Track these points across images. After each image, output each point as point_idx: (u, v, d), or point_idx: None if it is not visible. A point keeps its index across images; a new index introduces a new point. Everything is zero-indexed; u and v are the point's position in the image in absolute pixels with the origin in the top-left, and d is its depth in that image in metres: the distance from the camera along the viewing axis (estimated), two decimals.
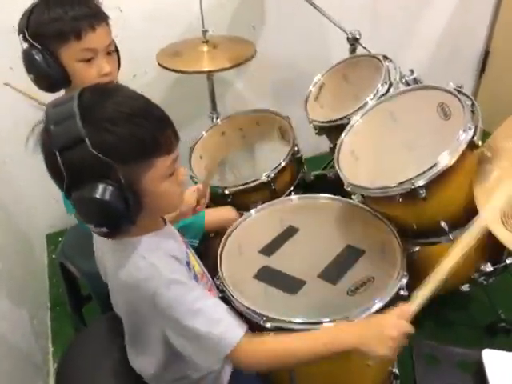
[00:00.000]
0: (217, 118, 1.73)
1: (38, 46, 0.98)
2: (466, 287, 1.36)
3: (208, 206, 1.54)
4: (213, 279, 1.00)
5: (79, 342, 1.08)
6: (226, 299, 0.99)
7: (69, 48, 0.99)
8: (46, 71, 0.99)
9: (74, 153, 0.65)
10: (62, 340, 1.58)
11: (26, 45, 1.00)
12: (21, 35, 1.00)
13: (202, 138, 1.63)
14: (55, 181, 0.70)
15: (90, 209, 0.68)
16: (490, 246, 1.26)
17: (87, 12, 1.00)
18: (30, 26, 0.99)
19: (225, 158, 1.69)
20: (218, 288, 1.01)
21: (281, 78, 2.00)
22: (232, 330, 0.74)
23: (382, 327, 0.75)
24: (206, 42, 1.59)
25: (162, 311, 0.74)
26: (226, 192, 1.40)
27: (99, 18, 1.02)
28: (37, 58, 0.98)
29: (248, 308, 0.94)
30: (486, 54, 2.27)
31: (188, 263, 0.86)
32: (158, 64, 1.58)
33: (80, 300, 1.47)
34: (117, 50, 1.11)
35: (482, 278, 1.31)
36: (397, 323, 0.75)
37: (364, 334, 0.74)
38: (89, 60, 1.02)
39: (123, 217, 0.69)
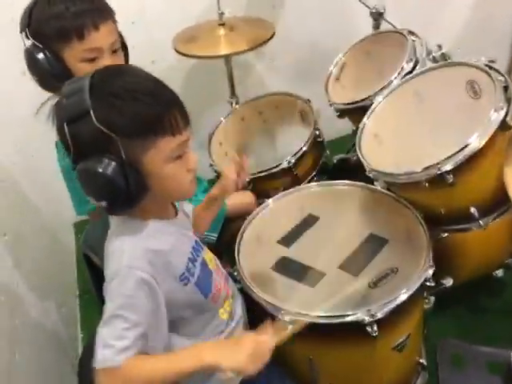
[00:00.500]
0: (236, 103, 1.69)
1: (40, 46, 0.95)
2: (499, 272, 1.32)
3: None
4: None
5: None
6: (243, 290, 0.98)
7: (71, 48, 0.96)
8: (50, 72, 0.96)
9: (79, 125, 0.68)
10: (90, 326, 1.61)
11: (28, 43, 0.97)
12: (23, 33, 0.97)
13: (220, 124, 1.60)
14: (67, 153, 0.72)
15: (90, 181, 0.70)
16: None
17: (90, 7, 0.95)
18: (32, 23, 0.96)
19: (245, 144, 1.66)
20: (235, 280, 0.99)
21: (302, 58, 1.92)
22: (122, 353, 0.69)
23: (238, 345, 0.74)
24: (223, 24, 1.55)
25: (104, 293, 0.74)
26: (247, 179, 1.37)
27: (103, 14, 0.97)
28: (39, 58, 0.95)
29: (265, 301, 0.92)
30: None
31: (194, 260, 0.84)
32: (174, 50, 1.55)
33: None
34: (125, 47, 1.08)
35: None
36: (254, 342, 0.73)
37: (219, 353, 0.73)
38: (93, 59, 0.98)
39: (123, 193, 0.69)
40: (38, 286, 1.43)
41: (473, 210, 1.04)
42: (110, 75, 0.73)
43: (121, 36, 1.06)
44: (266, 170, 1.38)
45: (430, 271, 0.93)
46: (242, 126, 1.64)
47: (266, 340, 0.75)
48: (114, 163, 0.68)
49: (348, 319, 0.86)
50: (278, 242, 1.08)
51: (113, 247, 0.76)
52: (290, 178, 1.38)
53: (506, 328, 1.34)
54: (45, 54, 0.95)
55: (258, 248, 1.08)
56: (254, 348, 0.73)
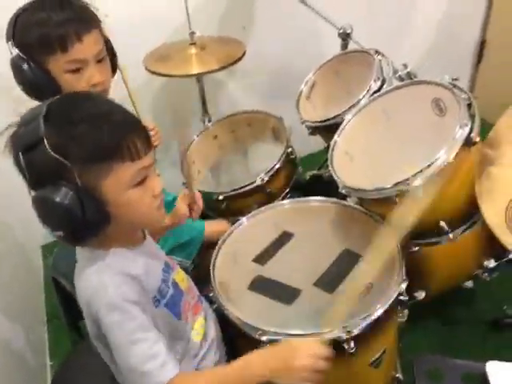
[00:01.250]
0: (209, 121, 1.70)
1: (24, 57, 0.93)
2: (469, 283, 1.34)
3: (204, 214, 1.52)
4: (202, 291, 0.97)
5: (74, 357, 1.05)
6: (219, 311, 0.96)
7: (55, 60, 0.94)
8: (35, 82, 0.95)
9: (34, 153, 0.66)
10: (60, 353, 1.55)
11: (14, 52, 0.95)
12: (9, 42, 0.95)
13: (193, 142, 1.60)
14: (25, 182, 0.71)
15: (45, 210, 0.68)
16: (492, 242, 1.22)
17: (73, 17, 0.93)
18: (16, 32, 0.94)
19: (218, 162, 1.66)
20: (211, 301, 0.98)
21: (273, 77, 1.95)
22: (162, 370, 0.70)
23: (292, 358, 0.73)
24: (194, 43, 1.56)
25: (104, 332, 0.72)
26: (220, 198, 1.37)
27: (87, 25, 0.95)
28: (24, 68, 0.93)
29: (241, 321, 0.91)
30: (483, 44, 2.22)
31: (167, 282, 0.83)
32: (146, 69, 1.54)
33: (76, 314, 1.44)
34: (113, 53, 1.07)
35: (486, 273, 1.28)
36: (308, 354, 0.73)
37: (273, 367, 0.73)
38: (77, 70, 0.96)
39: (79, 222, 0.67)
40: (3, 311, 1.37)
41: (442, 223, 1.06)
42: (67, 102, 0.72)
43: (108, 42, 1.05)
44: (239, 188, 1.38)
45: (404, 285, 0.94)
46: (214, 145, 1.64)
47: (317, 358, 0.74)
48: (68, 191, 0.66)
49: (325, 337, 0.86)
50: (253, 260, 1.08)
51: (92, 285, 0.72)
52: (263, 195, 1.39)
53: (476, 337, 1.37)
54: (29, 65, 0.93)
55: (233, 267, 1.07)
56: (309, 364, 0.72)
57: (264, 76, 1.94)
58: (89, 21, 0.96)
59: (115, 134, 0.69)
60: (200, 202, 1.02)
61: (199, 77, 1.63)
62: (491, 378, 0.61)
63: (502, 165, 0.95)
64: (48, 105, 0.69)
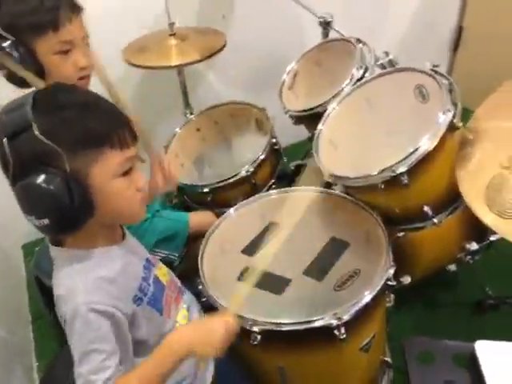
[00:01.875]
0: (191, 113, 1.68)
1: (12, 38, 0.94)
2: (452, 267, 1.37)
3: (189, 206, 1.51)
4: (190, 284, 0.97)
5: (62, 356, 1.03)
6: (210, 304, 0.96)
7: (46, 40, 0.96)
8: (24, 64, 0.95)
9: (20, 139, 0.65)
10: (46, 354, 1.52)
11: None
12: None
13: (176, 135, 1.58)
14: (5, 173, 0.68)
15: (32, 197, 0.66)
16: (474, 225, 1.25)
17: (63, 2, 0.97)
18: (2, 17, 0.94)
19: (202, 154, 1.64)
20: (200, 293, 0.97)
21: (254, 67, 1.94)
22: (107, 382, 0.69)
23: (209, 331, 0.76)
24: (174, 34, 1.53)
25: (66, 333, 0.71)
26: (206, 190, 1.36)
27: (75, 8, 1.00)
28: (10, 51, 0.94)
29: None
30: (460, 30, 2.25)
31: (147, 279, 0.83)
32: (125, 61, 1.51)
33: None
34: None
35: (468, 256, 1.31)
36: (222, 325, 0.75)
37: (193, 342, 0.75)
38: (66, 52, 0.99)
39: (67, 209, 0.66)
40: None
41: (426, 208, 1.08)
42: (54, 91, 0.72)
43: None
44: (224, 180, 1.38)
45: (391, 271, 0.95)
46: (197, 137, 1.63)
47: (231, 320, 0.76)
48: (57, 177, 0.65)
49: (316, 324, 0.86)
50: (242, 251, 1.08)
51: (64, 287, 0.72)
52: (248, 186, 1.38)
53: (461, 319, 1.40)
54: (16, 48, 0.94)
55: (221, 259, 1.06)
56: (225, 330, 0.74)
57: (245, 66, 1.92)
58: (76, 5, 1.01)
59: (105, 121, 0.69)
60: (167, 165, 1.04)
61: (180, 68, 1.61)
62: (480, 356, 0.62)
63: (481, 148, 0.96)
64: (34, 94, 0.67)
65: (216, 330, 0.74)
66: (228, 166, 1.59)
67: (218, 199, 1.40)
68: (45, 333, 1.59)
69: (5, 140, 0.65)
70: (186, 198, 1.51)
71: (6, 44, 0.94)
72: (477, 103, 1.04)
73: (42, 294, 1.36)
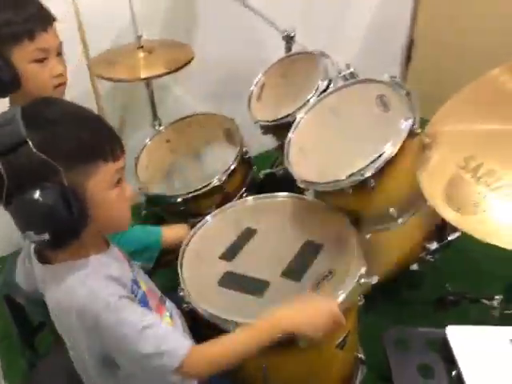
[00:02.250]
0: (159, 125, 1.69)
1: None
2: (415, 266, 1.45)
3: (161, 217, 1.52)
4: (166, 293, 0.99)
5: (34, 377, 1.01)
6: (192, 311, 0.98)
7: (21, 49, 0.98)
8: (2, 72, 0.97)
9: (15, 155, 0.65)
10: (15, 375, 1.47)
11: None
12: None
13: (146, 146, 1.59)
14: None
15: (31, 212, 0.67)
16: (432, 225, 1.35)
17: (38, 12, 1.01)
18: None
19: (171, 165, 1.65)
20: (182, 300, 0.99)
21: (221, 79, 1.99)
22: (178, 344, 0.74)
23: (316, 314, 0.82)
24: (141, 47, 1.55)
25: (106, 335, 0.72)
26: (179, 200, 1.38)
27: (49, 18, 1.04)
28: None
29: (216, 316, 0.93)
30: (411, 44, 2.40)
31: (135, 281, 0.85)
32: (93, 73, 1.52)
33: (31, 332, 1.38)
34: None
35: (429, 256, 1.40)
36: (329, 310, 0.82)
37: (299, 321, 0.81)
38: (41, 61, 1.02)
39: (67, 222, 0.67)
40: None
41: (392, 210, 1.15)
42: (43, 104, 0.72)
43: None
44: (197, 190, 1.40)
45: (363, 269, 1.01)
46: (167, 148, 1.64)
47: (337, 313, 0.82)
48: (55, 191, 0.66)
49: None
50: (220, 257, 1.10)
51: (82, 295, 0.72)
52: (221, 195, 1.41)
53: (425, 315, 1.48)
54: None
55: (200, 266, 1.08)
56: (328, 319, 0.80)
57: (212, 78, 1.97)
58: (50, 15, 1.05)
59: (98, 134, 0.71)
60: None
61: (148, 81, 1.62)
62: (451, 340, 0.68)
63: (438, 150, 1.04)
64: (21, 109, 0.68)
65: (322, 314, 0.80)
66: (198, 176, 1.61)
67: (191, 209, 1.42)
68: (12, 353, 1.53)
69: None
70: (159, 209, 1.51)
71: None
72: (428, 112, 1.12)
73: (12, 313, 1.32)
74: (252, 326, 0.82)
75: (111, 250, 0.85)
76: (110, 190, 0.74)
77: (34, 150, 0.64)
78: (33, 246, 0.81)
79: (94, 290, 0.72)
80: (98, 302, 0.71)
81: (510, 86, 0.98)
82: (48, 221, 0.67)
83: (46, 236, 0.67)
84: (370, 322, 1.40)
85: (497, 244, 0.84)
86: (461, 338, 0.69)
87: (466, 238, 1.30)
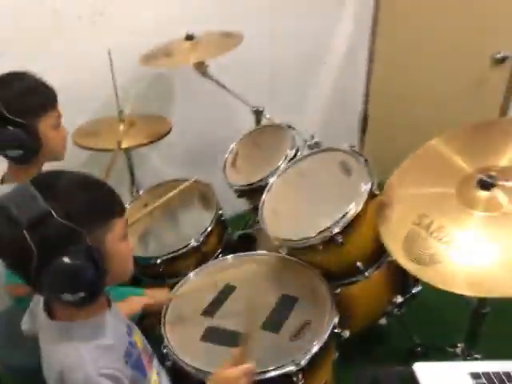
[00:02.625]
0: (137, 191, 1.78)
1: (22, 122, 1.02)
2: (383, 320, 1.53)
3: (138, 280, 1.55)
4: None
5: None
6: (176, 366, 1.01)
7: (49, 117, 1.07)
8: (33, 144, 1.05)
9: (42, 227, 0.69)
10: None
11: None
12: None
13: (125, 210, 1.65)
14: (18, 269, 0.72)
15: (65, 276, 0.71)
16: (396, 279, 1.45)
17: (44, 82, 1.09)
18: (5, 104, 1.02)
19: (148, 229, 1.72)
20: (166, 356, 1.02)
21: (197, 148, 2.12)
22: None
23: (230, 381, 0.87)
24: (123, 120, 1.67)
25: None
26: (158, 261, 1.43)
27: (53, 91, 1.13)
28: (22, 133, 1.03)
29: (199, 369, 0.97)
30: (366, 118, 2.66)
31: (131, 343, 0.88)
32: (74, 143, 1.61)
33: None
34: None
35: (396, 309, 1.49)
36: (243, 374, 0.86)
37: None
38: (57, 126, 1.12)
39: (97, 278, 0.73)
40: None
41: (359, 264, 1.26)
42: (52, 177, 0.77)
43: None
44: (175, 251, 1.46)
45: (336, 319, 1.09)
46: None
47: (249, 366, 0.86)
48: (83, 252, 0.71)
49: (277, 372, 0.96)
50: (202, 314, 1.16)
51: (70, 360, 0.76)
52: (199, 255, 1.48)
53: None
54: (25, 129, 1.03)
55: (183, 324, 1.13)
56: (247, 377, 0.85)
57: (186, 146, 2.10)
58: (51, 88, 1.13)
59: (108, 195, 0.79)
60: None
61: (127, 151, 1.73)
62: (419, 375, 0.76)
63: (395, 209, 1.18)
64: (33, 184, 0.72)
65: (240, 380, 0.84)
66: (173, 239, 1.68)
67: (170, 270, 1.47)
68: None
69: (25, 232, 0.68)
70: (136, 270, 1.55)
71: (13, 128, 1.02)
72: (383, 176, 1.28)
73: None
74: None
75: (113, 308, 0.88)
76: (121, 243, 0.80)
77: (59, 219, 0.69)
78: (42, 301, 0.85)
79: (83, 359, 0.75)
80: (81, 371, 0.74)
81: (446, 154, 1.15)
82: (82, 280, 0.72)
83: (82, 294, 0.72)
84: (344, 376, 1.44)
85: (451, 290, 0.95)
86: (428, 373, 0.77)
87: (427, 290, 1.43)
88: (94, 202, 0.76)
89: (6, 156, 1.08)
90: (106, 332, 0.82)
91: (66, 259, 0.70)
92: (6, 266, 0.75)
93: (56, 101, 1.10)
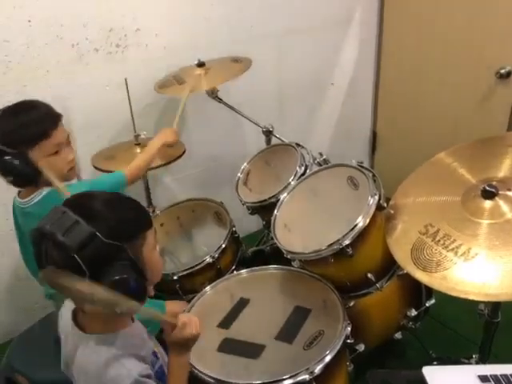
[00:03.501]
0: (153, 211, 1.84)
1: (13, 151, 1.11)
2: (398, 335, 1.54)
3: (160, 297, 1.60)
4: None
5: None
6: (193, 376, 1.04)
7: (40, 147, 1.15)
8: (24, 172, 1.13)
9: (90, 249, 0.74)
10: None
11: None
12: None
13: None
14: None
15: (118, 290, 0.75)
16: (409, 292, 1.47)
17: (47, 113, 1.18)
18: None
19: (164, 247, 1.77)
20: None
21: (207, 169, 2.20)
22: None
23: (187, 344, 0.92)
24: (139, 144, 1.75)
25: None
26: (175, 277, 1.48)
27: (56, 116, 1.20)
28: (14, 162, 1.11)
29: (218, 379, 1.01)
30: (374, 135, 2.72)
31: (154, 353, 0.93)
32: (94, 167, 1.69)
33: None
34: None
35: (410, 323, 1.50)
36: (189, 328, 0.90)
37: (184, 355, 0.92)
38: (56, 152, 1.18)
39: (144, 286, 0.80)
40: None
41: (370, 275, 1.29)
42: (84, 199, 0.83)
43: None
44: (191, 267, 1.51)
45: (349, 328, 1.12)
46: (161, 231, 1.77)
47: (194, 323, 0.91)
48: (128, 266, 0.77)
49: (291, 381, 0.99)
50: (218, 326, 1.19)
51: (114, 371, 0.80)
52: (214, 271, 1.53)
53: None
54: (18, 158, 1.12)
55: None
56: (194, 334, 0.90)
57: (201, 167, 2.18)
58: (56, 113, 1.21)
59: (140, 208, 0.85)
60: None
61: (144, 173, 1.80)
62: (428, 378, 0.79)
63: (402, 220, 1.22)
64: (68, 207, 0.77)
65: (189, 337, 0.89)
66: (188, 257, 1.73)
67: (186, 286, 1.51)
68: None
69: (76, 256, 0.72)
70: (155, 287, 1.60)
71: (7, 157, 1.12)
72: (391, 191, 1.32)
73: None
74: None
75: (136, 323, 0.93)
76: (154, 251, 0.85)
77: (104, 239, 0.74)
78: (69, 314, 0.89)
79: (126, 366, 0.81)
80: (128, 378, 0.79)
81: (452, 166, 1.20)
82: (132, 291, 0.76)
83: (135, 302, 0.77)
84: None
85: (459, 296, 0.98)
86: (436, 376, 0.79)
87: (441, 303, 1.44)
88: (129, 217, 0.82)
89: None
90: (135, 342, 0.87)
91: (116, 276, 0.75)
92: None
93: (52, 131, 1.16)
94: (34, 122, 1.15)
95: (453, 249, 1.05)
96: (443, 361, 1.56)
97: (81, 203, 0.80)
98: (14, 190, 1.26)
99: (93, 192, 0.86)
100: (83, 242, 0.73)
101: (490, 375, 0.80)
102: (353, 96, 2.57)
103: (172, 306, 1.38)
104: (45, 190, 1.19)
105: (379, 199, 1.24)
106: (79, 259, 0.72)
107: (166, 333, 0.90)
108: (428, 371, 0.81)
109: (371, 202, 1.23)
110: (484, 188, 1.07)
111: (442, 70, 2.19)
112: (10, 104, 1.19)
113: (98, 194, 0.84)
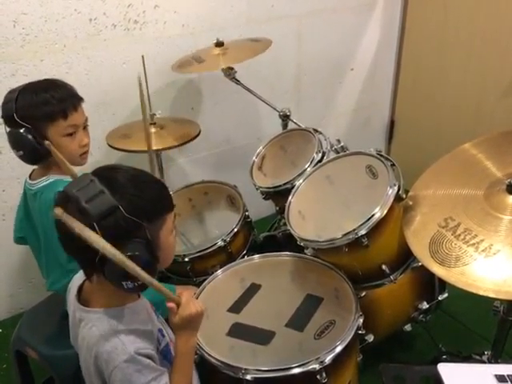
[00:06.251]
0: None
1: (28, 126, 1.13)
2: (408, 327, 1.53)
3: (166, 277, 1.60)
4: None
5: None
6: (202, 359, 1.04)
7: (56, 126, 1.16)
8: (35, 148, 1.14)
9: (110, 220, 0.74)
10: None
11: (10, 127, 1.15)
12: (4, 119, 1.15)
13: None
14: (83, 257, 0.78)
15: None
16: (422, 285, 1.45)
17: (69, 94, 1.19)
18: (18, 109, 1.13)
19: (176, 229, 1.76)
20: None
21: (221, 151, 2.18)
22: None
23: (192, 322, 0.90)
24: (154, 123, 1.73)
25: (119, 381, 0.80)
26: (186, 259, 1.47)
27: (78, 98, 1.22)
28: (28, 137, 1.13)
29: (226, 364, 1.00)
30: (392, 123, 2.66)
31: (160, 330, 0.93)
32: (108, 145, 1.68)
33: None
34: None
35: (421, 315, 1.49)
36: (189, 307, 0.88)
37: (190, 338, 0.90)
38: (71, 134, 1.20)
39: (155, 268, 0.79)
40: None
41: (384, 267, 1.27)
42: (111, 171, 0.81)
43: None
44: (203, 250, 1.50)
45: (361, 320, 1.10)
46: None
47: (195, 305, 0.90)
48: (145, 244, 0.76)
49: (301, 369, 0.98)
50: (228, 310, 1.19)
51: (111, 344, 0.81)
52: (225, 255, 1.51)
53: None
54: (32, 134, 1.13)
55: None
56: (198, 313, 0.89)
57: (215, 150, 2.15)
58: (79, 96, 1.23)
59: (165, 190, 0.85)
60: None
61: (158, 153, 1.79)
62: (443, 376, 0.77)
63: (421, 212, 1.19)
64: (97, 178, 0.77)
65: (196, 319, 0.89)
66: (200, 239, 1.72)
67: (197, 268, 1.51)
68: None
69: (95, 224, 0.72)
70: (164, 268, 1.60)
71: (21, 130, 1.13)
72: (409, 183, 1.28)
73: (20, 367, 1.36)
74: (177, 368, 0.89)
75: (142, 299, 0.93)
76: (170, 235, 0.85)
77: (125, 214, 0.74)
78: (75, 289, 0.90)
79: (123, 341, 0.80)
80: (122, 354, 0.79)
81: (477, 158, 1.15)
82: (147, 271, 0.76)
83: (141, 282, 0.77)
84: (367, 381, 1.45)
85: (477, 293, 0.95)
86: (452, 373, 0.78)
87: (453, 298, 1.42)
88: (154, 197, 0.81)
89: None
90: (141, 318, 0.87)
91: (129, 251, 0.74)
92: (69, 253, 0.81)
93: (70, 112, 1.17)
94: (55, 99, 1.16)
95: (473, 244, 1.02)
96: (453, 355, 1.55)
97: (109, 175, 0.80)
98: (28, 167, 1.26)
99: (122, 166, 0.85)
100: (105, 212, 0.73)
101: (508, 375, 0.78)
102: (372, 82, 2.51)
103: (182, 290, 1.37)
104: (52, 178, 1.21)
105: (398, 190, 1.21)
106: (97, 228, 0.72)
107: (172, 312, 0.88)
108: (443, 368, 0.79)
109: (390, 193, 1.20)
110: (510, 182, 1.03)
111: (466, 58, 2.13)
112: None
113: (126, 168, 0.83)
